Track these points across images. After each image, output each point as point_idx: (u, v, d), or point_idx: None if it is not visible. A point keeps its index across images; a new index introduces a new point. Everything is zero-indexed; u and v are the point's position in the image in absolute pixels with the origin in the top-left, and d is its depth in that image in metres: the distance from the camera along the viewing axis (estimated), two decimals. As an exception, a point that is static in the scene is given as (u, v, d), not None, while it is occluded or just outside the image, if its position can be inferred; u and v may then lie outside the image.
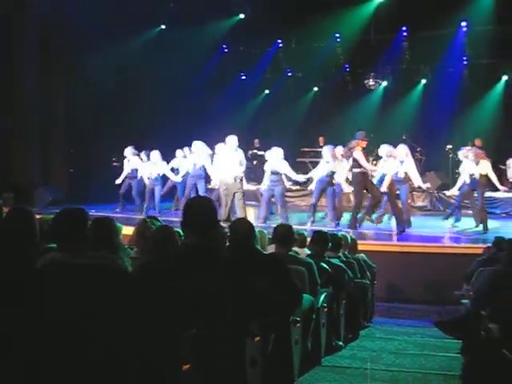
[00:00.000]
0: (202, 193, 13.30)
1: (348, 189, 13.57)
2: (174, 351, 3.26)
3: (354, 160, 12.29)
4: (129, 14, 16.28)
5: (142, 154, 14.96)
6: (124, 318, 3.19)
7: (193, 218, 3.74)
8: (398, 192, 12.85)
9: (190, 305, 3.39)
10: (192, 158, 13.88)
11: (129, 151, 14.88)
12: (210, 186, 13.99)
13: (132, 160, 14.89)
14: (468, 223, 13.58)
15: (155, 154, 14.45)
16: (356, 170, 12.30)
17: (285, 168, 12.88)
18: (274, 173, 12.74)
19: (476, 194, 13.35)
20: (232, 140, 12.23)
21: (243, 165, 12.37)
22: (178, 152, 14.98)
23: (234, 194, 12.06)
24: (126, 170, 14.95)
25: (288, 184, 13.87)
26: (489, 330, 3.90)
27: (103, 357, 3.07)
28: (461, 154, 13.58)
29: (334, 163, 13.08)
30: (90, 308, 3.23)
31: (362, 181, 12.29)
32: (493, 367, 3.45)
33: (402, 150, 12.90)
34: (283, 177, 13.09)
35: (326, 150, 13.27)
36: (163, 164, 14.55)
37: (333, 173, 13.08)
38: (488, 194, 15.02)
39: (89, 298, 3.27)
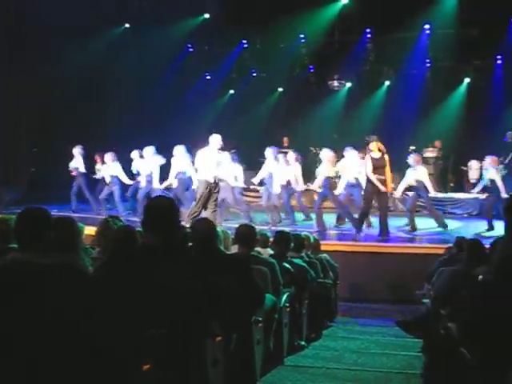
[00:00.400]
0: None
1: (277, 190, 13.52)
2: (134, 351, 3.25)
3: None
4: (91, 12, 16.14)
5: (97, 157, 15.16)
6: (83, 318, 3.17)
7: (152, 218, 3.73)
8: (352, 197, 13.27)
9: (149, 304, 3.38)
10: (143, 163, 14.10)
11: (76, 150, 15.17)
12: (164, 186, 13.96)
13: (77, 158, 15.17)
14: (430, 224, 13.71)
15: (108, 156, 14.60)
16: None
17: (226, 173, 13.07)
18: (221, 180, 12.84)
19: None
20: (216, 139, 12.03)
21: (222, 165, 12.35)
22: (134, 153, 14.99)
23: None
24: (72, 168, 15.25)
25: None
26: (448, 329, 3.93)
27: (63, 356, 3.04)
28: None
29: (274, 165, 13.30)
30: (51, 307, 3.20)
31: (371, 189, 12.23)
32: (452, 366, 3.48)
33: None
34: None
35: (269, 152, 13.46)
36: (116, 165, 14.66)
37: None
38: (450, 194, 15.21)
39: (50, 298, 3.24)
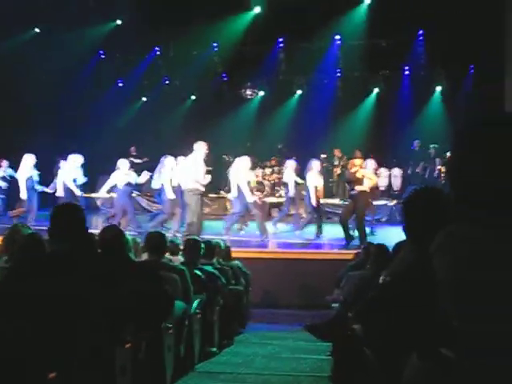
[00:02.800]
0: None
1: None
2: (40, 360, 3.21)
3: None
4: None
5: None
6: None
7: (56, 225, 3.69)
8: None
9: (54, 314, 3.35)
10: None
11: None
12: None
13: None
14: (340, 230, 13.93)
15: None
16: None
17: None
18: (130, 183, 12.89)
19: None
20: (203, 147, 11.90)
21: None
22: (4, 162, 15.07)
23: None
24: None
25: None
26: (353, 330, 4.04)
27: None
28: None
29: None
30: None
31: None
32: (357, 366, 3.58)
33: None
34: None
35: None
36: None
37: None
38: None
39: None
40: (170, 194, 12.53)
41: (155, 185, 13.28)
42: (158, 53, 20.63)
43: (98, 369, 3.55)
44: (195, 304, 6.15)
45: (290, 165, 14.47)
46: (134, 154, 19.42)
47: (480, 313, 1.68)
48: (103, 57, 20.55)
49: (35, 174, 13.99)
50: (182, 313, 5.52)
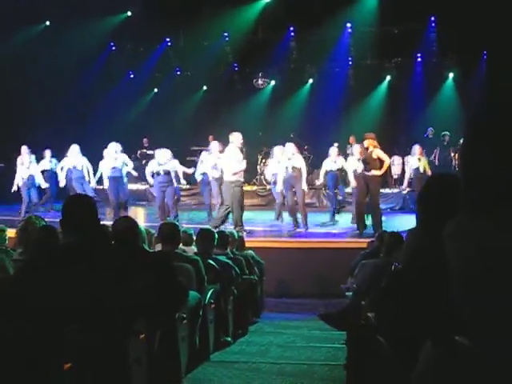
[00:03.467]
0: (89, 192, 13.03)
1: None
2: (55, 350, 3.22)
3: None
4: (11, 8, 15.78)
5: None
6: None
7: (69, 217, 3.69)
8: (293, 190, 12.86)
9: (68, 305, 3.35)
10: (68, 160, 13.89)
11: None
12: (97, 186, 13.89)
13: None
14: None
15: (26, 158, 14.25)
16: None
17: (177, 167, 13.19)
18: (165, 173, 12.75)
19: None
20: (238, 137, 11.80)
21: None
22: (47, 152, 15.00)
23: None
24: None
25: (182, 182, 13.80)
26: (367, 318, 4.03)
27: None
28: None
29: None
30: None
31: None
32: (371, 354, 3.58)
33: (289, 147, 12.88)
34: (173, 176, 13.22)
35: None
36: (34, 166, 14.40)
37: None
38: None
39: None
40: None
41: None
42: (168, 44, 20.64)
43: (113, 360, 3.56)
44: (209, 294, 6.15)
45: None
46: (147, 145, 19.46)
47: (489, 305, 1.67)
48: (114, 49, 20.58)
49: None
50: (196, 303, 5.52)
